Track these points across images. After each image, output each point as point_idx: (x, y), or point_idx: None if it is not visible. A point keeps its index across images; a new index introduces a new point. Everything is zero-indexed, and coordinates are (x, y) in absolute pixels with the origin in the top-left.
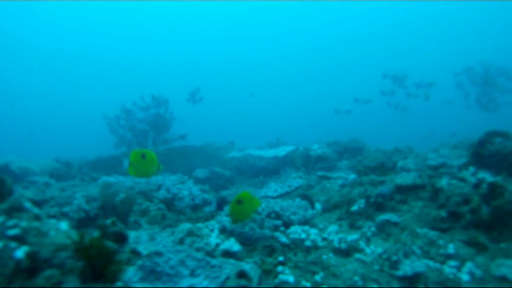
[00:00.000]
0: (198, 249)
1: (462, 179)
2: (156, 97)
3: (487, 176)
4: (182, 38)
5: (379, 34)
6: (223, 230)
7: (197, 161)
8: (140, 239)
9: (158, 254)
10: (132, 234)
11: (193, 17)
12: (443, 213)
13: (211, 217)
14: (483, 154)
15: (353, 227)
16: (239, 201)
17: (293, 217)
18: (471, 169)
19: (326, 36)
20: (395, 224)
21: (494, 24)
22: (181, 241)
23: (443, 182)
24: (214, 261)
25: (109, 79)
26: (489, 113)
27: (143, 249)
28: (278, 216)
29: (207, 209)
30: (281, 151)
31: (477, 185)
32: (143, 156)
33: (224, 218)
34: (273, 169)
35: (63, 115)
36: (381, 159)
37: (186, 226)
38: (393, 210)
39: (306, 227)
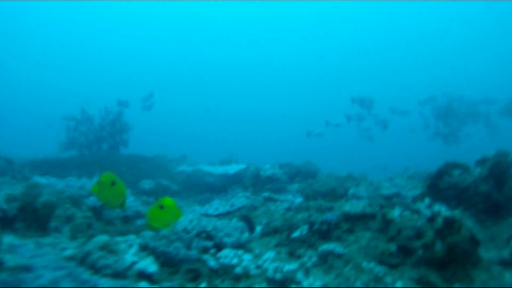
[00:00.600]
0: (103, 267)
1: (416, 211)
2: (121, 101)
3: (443, 210)
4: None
5: (354, 54)
6: (144, 247)
7: (145, 172)
8: (20, 248)
9: (27, 268)
10: (6, 240)
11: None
12: (393, 247)
13: (141, 231)
14: (440, 186)
15: (292, 255)
16: (161, 206)
17: (226, 239)
18: (427, 200)
19: (292, 54)
20: (339, 255)
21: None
22: (85, 255)
23: (395, 213)
24: (105, 283)
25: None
26: (450, 145)
27: (12, 260)
28: (209, 236)
29: (140, 222)
30: (232, 169)
31: (432, 219)
32: (113, 183)
33: (148, 234)
34: (222, 187)
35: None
36: (332, 185)
37: (102, 238)
38: (338, 240)
39: (240, 252)
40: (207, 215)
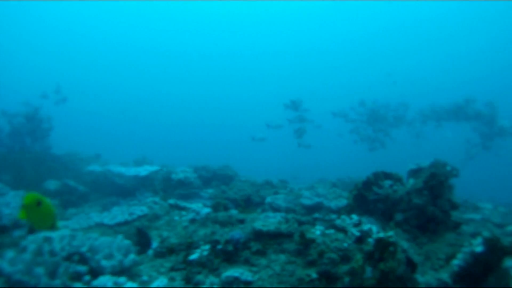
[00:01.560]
0: None
1: (342, 229)
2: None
3: (374, 228)
4: None
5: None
6: None
7: (52, 171)
8: None
9: None
10: None
11: None
12: (313, 273)
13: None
14: (368, 198)
15: (189, 282)
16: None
17: (105, 263)
18: (354, 217)
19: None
20: (247, 283)
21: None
22: None
23: (317, 231)
24: None
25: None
26: (375, 151)
27: None
28: (83, 259)
29: (18, 233)
30: (143, 170)
31: (361, 239)
32: (39, 203)
33: (10, 254)
34: (132, 189)
35: None
36: (247, 192)
37: None
38: (246, 264)
39: (122, 279)
40: (102, 224)
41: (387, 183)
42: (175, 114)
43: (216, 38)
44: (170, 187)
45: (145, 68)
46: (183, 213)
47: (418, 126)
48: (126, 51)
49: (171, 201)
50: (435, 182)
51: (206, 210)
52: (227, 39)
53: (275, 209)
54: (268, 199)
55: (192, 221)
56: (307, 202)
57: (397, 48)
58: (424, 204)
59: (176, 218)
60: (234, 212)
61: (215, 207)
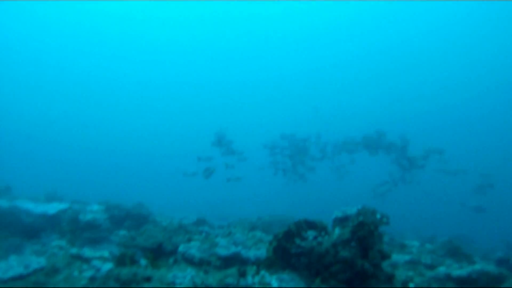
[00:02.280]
0: None
1: None
2: None
3: None
4: None
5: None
6: None
7: None
8: None
9: None
10: None
11: None
12: None
13: None
14: (290, 251)
15: None
16: None
17: None
18: (274, 283)
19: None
20: None
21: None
22: None
23: None
24: None
25: None
26: (302, 185)
27: None
28: None
29: None
30: (52, 208)
31: None
32: None
33: None
34: (39, 229)
35: None
36: (159, 239)
37: None
38: None
39: None
40: None
41: (311, 234)
42: (99, 142)
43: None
44: (78, 229)
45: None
46: (84, 266)
47: (335, 159)
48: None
49: (74, 250)
50: (364, 232)
51: (108, 266)
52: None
53: (189, 260)
54: (181, 248)
55: (92, 279)
56: (223, 252)
57: (332, 82)
58: (353, 257)
59: (76, 273)
60: (143, 262)
61: (121, 260)
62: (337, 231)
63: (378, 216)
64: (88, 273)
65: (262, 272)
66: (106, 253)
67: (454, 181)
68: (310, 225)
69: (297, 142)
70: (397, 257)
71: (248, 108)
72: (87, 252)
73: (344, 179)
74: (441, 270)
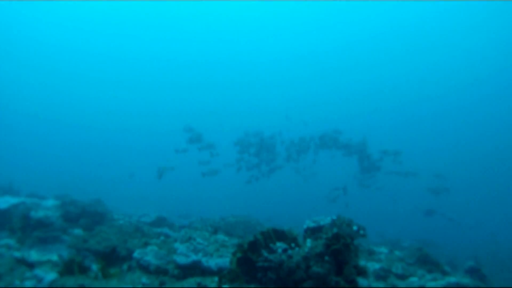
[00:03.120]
0: None
1: None
2: None
3: None
4: None
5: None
6: None
7: None
8: None
9: None
10: None
11: None
12: None
13: None
14: (257, 264)
15: None
16: None
17: None
18: None
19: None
20: None
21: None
22: None
23: None
24: None
25: None
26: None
27: None
28: None
29: None
30: (3, 202)
31: None
32: None
33: None
34: None
35: None
36: (113, 242)
37: None
38: None
39: None
40: None
41: (280, 246)
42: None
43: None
44: (29, 226)
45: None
46: (27, 274)
47: (300, 158)
48: None
49: (18, 254)
50: (339, 246)
51: (52, 275)
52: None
53: (144, 267)
54: (137, 254)
55: None
56: (182, 260)
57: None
58: (326, 273)
59: (17, 283)
60: (94, 268)
61: (68, 267)
62: (309, 243)
63: (354, 228)
64: (30, 283)
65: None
66: (54, 257)
67: (412, 183)
68: (279, 235)
69: (263, 139)
70: (366, 264)
71: (221, 105)
72: (34, 255)
73: (310, 180)
74: (414, 281)
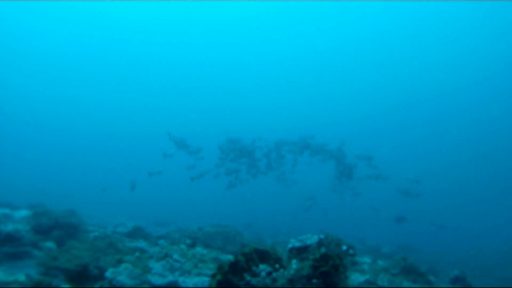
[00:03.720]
0: None
1: None
2: None
3: None
4: None
5: None
6: None
7: None
8: None
9: None
10: None
11: None
12: None
13: None
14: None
15: None
16: None
17: None
18: None
19: None
20: None
21: None
22: None
23: None
24: None
25: None
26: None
27: None
28: None
29: None
30: None
31: None
32: None
33: None
34: None
35: None
36: (85, 259)
37: None
38: None
39: None
40: None
41: (263, 269)
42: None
43: None
44: None
45: None
46: None
47: (278, 164)
48: None
49: None
50: (328, 268)
51: None
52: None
53: None
54: (109, 273)
55: None
56: (157, 281)
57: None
58: None
59: None
60: None
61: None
62: (294, 264)
63: (344, 247)
64: None
65: None
66: (22, 277)
67: (389, 189)
68: (262, 255)
69: (242, 146)
70: (351, 277)
71: (208, 108)
72: (0, 275)
73: (291, 187)
74: None
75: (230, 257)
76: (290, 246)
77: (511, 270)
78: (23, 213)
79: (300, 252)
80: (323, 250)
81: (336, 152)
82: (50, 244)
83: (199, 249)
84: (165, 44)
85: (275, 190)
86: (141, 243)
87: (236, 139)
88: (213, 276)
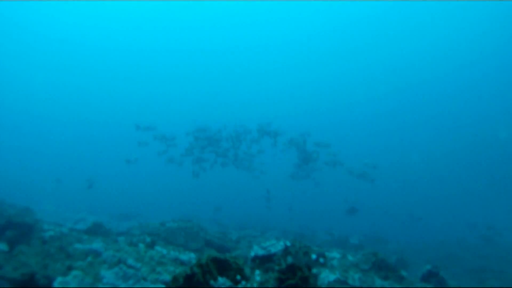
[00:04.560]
0: None
1: None
2: None
3: None
4: None
5: None
6: None
7: None
8: None
9: None
10: None
11: None
12: None
13: None
14: None
15: None
16: None
17: None
18: None
19: None
20: None
21: None
22: None
23: None
24: None
25: None
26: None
27: None
28: None
29: None
30: None
31: None
32: None
33: None
34: None
35: None
36: (33, 267)
37: None
38: None
39: None
40: None
41: (223, 283)
42: None
43: None
44: None
45: None
46: None
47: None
48: None
49: None
50: (296, 280)
51: None
52: None
53: None
54: (57, 284)
55: None
56: None
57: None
58: None
59: None
60: None
61: None
62: (258, 276)
63: (313, 256)
64: None
65: None
66: None
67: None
68: (221, 265)
69: (209, 134)
70: (320, 275)
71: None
72: None
73: (259, 177)
74: None
75: (192, 256)
76: (253, 254)
77: (479, 260)
78: None
79: (264, 261)
80: (289, 259)
81: (298, 139)
82: (1, 246)
83: (158, 249)
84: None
85: (242, 179)
86: (96, 244)
87: (204, 127)
88: None
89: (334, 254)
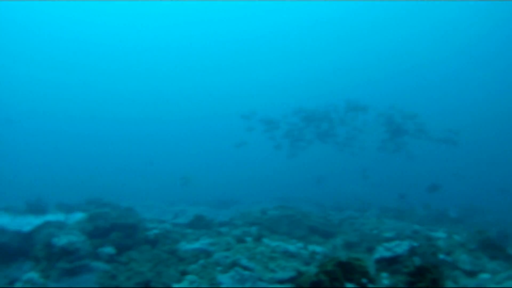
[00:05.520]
0: None
1: None
2: None
3: None
4: None
5: None
6: None
7: None
8: None
9: None
10: None
11: None
12: None
13: None
14: None
15: None
16: None
17: None
18: None
19: None
20: None
21: None
22: None
23: None
24: None
25: None
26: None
27: None
28: None
29: None
30: (27, 223)
31: None
32: None
33: None
34: (18, 251)
35: None
36: (146, 275)
37: None
38: None
39: None
40: None
41: None
42: None
43: None
44: (54, 255)
45: None
46: None
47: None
48: None
49: None
50: (427, 284)
51: None
52: None
53: None
54: None
55: None
56: None
57: None
58: None
59: None
60: None
61: None
62: (385, 278)
63: (441, 256)
64: None
65: None
66: None
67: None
68: (346, 268)
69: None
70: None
71: None
72: None
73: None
74: (485, 278)
75: (299, 246)
76: (377, 256)
77: None
78: (78, 216)
79: (390, 263)
80: (416, 260)
81: (388, 111)
82: (108, 250)
83: (266, 241)
84: None
85: (337, 157)
86: (203, 241)
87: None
88: None
89: (440, 234)
